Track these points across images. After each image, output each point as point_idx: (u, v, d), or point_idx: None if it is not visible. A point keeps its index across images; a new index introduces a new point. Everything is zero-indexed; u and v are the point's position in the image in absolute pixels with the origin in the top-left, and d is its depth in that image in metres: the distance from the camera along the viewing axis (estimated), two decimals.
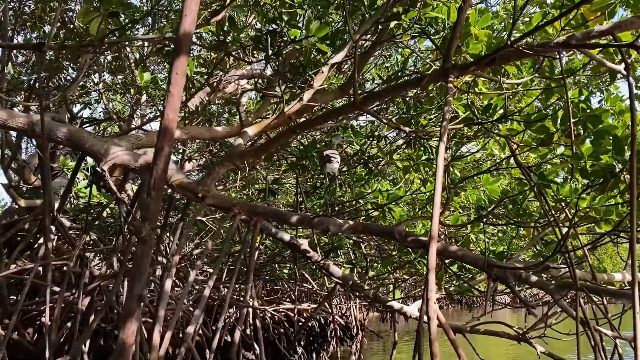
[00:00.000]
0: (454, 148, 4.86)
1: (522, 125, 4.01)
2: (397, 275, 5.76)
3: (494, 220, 4.96)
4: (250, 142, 4.98)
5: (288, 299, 9.82)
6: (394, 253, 5.27)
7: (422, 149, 5.14)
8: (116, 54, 6.34)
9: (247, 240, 4.34)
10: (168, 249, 7.32)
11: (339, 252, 6.63)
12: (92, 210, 6.25)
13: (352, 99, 3.39)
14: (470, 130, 4.15)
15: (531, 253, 6.15)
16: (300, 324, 9.17)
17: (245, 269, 9.77)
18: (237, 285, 9.48)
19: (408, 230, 4.34)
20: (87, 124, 8.56)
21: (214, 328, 8.34)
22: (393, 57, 5.45)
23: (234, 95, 8.23)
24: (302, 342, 9.35)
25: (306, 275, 9.75)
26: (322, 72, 4.11)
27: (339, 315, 9.82)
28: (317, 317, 9.92)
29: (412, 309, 5.31)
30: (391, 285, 6.16)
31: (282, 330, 9.19)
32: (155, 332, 2.95)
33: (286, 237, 4.96)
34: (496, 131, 4.00)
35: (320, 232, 5.19)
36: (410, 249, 5.07)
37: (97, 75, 8.61)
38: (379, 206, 4.92)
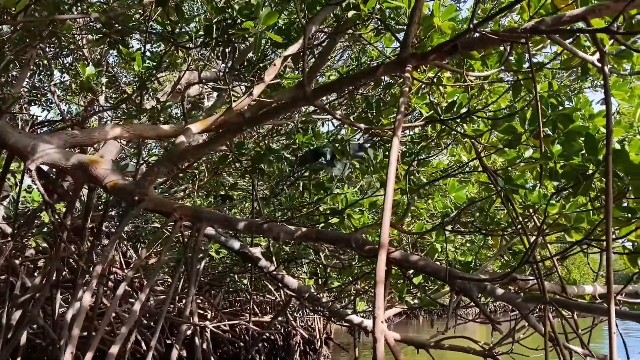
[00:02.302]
0: (420, 152, 4.56)
1: (488, 125, 3.73)
2: (359, 287, 5.42)
3: (459, 228, 4.66)
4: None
5: (249, 311, 9.37)
6: (353, 263, 4.92)
7: (383, 149, 4.84)
8: (56, 44, 5.88)
9: (190, 248, 3.94)
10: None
11: (302, 261, 6.26)
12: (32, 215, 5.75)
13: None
14: (433, 132, 3.85)
15: (499, 264, 5.89)
16: (252, 339, 8.74)
17: (205, 279, 9.32)
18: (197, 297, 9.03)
19: (366, 239, 4.00)
20: (39, 126, 8.03)
21: (168, 342, 7.87)
22: (353, 51, 5.14)
23: (198, 98, 7.82)
24: (262, 356, 8.93)
25: (269, 286, 9.34)
26: (275, 65, 3.76)
27: (303, 328, 9.43)
28: (281, 330, 9.50)
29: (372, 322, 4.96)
30: (355, 297, 5.80)
31: (242, 344, 8.75)
32: (67, 354, 2.52)
33: (236, 244, 4.57)
34: (461, 131, 3.70)
35: (272, 239, 4.81)
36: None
37: (47, 73, 8.08)
38: (335, 212, 4.57)
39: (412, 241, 5.74)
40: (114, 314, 6.28)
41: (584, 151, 2.71)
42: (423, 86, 4.08)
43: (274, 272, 4.67)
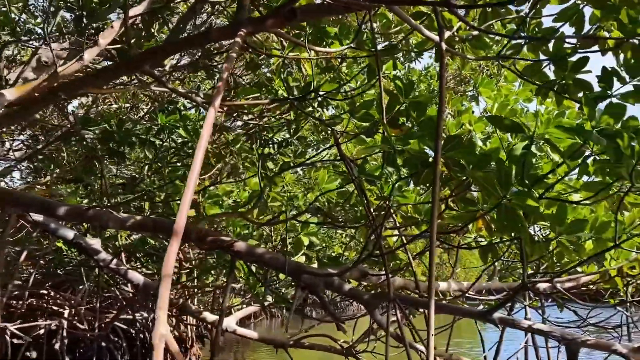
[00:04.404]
0: (277, 136, 4.26)
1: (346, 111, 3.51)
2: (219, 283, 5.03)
3: (318, 219, 4.43)
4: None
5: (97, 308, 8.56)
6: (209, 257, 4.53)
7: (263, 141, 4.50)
8: None
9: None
10: None
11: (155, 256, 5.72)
12: None
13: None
14: (290, 114, 3.56)
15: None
16: (118, 337, 8.06)
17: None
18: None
19: (212, 229, 3.65)
20: None
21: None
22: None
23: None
24: (126, 356, 8.27)
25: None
26: (112, 28, 3.26)
27: (173, 327, 8.85)
28: (150, 327, 8.84)
29: (230, 321, 4.61)
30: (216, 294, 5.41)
31: (104, 343, 8.04)
32: None
33: (69, 234, 4.00)
34: (320, 117, 3.44)
35: (98, 228, 4.29)
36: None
37: None
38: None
39: (281, 235, 5.46)
40: None
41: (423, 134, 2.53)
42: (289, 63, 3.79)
43: (117, 267, 4.16)
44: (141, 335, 8.90)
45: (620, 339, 3.78)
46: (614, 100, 2.51)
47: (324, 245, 6.11)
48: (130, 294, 6.52)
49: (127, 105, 7.80)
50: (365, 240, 3.11)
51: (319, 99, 3.41)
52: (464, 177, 2.58)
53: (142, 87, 3.74)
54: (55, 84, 3.01)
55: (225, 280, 5.17)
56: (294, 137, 4.37)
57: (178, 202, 4.30)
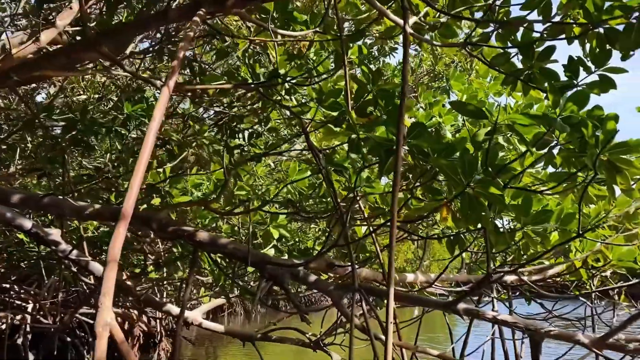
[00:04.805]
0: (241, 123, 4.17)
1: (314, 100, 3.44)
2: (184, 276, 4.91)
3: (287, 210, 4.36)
4: None
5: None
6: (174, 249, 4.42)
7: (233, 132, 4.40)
8: None
9: None
10: None
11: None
12: None
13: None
14: (258, 104, 3.48)
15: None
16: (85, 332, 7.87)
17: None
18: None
19: (172, 219, 3.55)
20: None
21: None
22: None
23: None
24: (92, 351, 8.07)
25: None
26: (71, 9, 3.13)
27: (141, 321, 8.69)
28: (119, 322, 8.68)
29: (195, 314, 4.51)
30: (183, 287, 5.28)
31: (69, 338, 7.84)
32: None
33: (27, 224, 3.84)
34: (287, 104, 3.36)
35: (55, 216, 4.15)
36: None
37: None
38: (155, 190, 4.03)
39: (254, 228, 5.37)
40: None
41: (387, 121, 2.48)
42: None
43: (78, 258, 4.02)
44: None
45: (585, 331, 3.81)
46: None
47: (297, 240, 6.04)
48: (93, 287, 6.36)
49: (96, 95, 7.59)
50: (330, 230, 3.05)
51: (287, 86, 3.34)
52: (429, 166, 2.55)
53: (101, 71, 3.61)
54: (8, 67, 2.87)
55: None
56: (265, 129, 4.29)
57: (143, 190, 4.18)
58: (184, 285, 5.16)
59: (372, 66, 3.30)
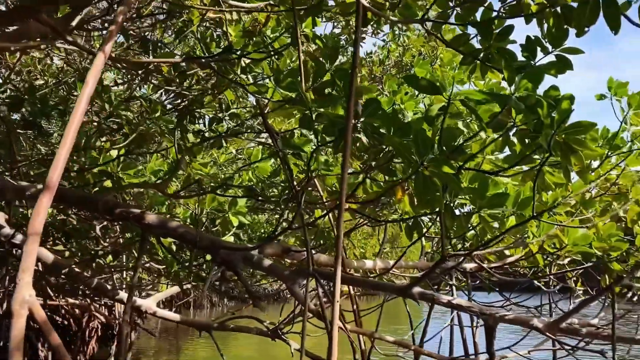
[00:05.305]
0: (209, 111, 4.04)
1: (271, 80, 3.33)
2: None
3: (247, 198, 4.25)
4: None
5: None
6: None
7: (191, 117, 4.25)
8: None
9: None
10: None
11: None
12: None
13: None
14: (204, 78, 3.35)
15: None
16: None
17: None
18: None
19: (120, 201, 3.40)
20: None
21: None
22: None
23: None
24: (45, 345, 7.81)
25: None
26: None
27: (100, 312, 8.44)
28: (75, 314, 8.42)
29: (149, 303, 4.36)
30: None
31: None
32: None
33: None
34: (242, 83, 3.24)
35: None
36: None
37: None
38: (107, 174, 3.86)
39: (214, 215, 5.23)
40: None
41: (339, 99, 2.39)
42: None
43: (22, 243, 3.83)
44: (65, 322, 8.45)
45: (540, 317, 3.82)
46: None
47: (263, 232, 5.93)
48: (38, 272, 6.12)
49: (54, 80, 7.30)
50: (283, 211, 2.96)
51: (243, 64, 3.23)
52: (384, 147, 2.48)
53: (43, 43, 3.41)
54: None
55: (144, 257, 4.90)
56: (226, 114, 4.15)
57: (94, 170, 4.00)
58: (138, 272, 5.00)
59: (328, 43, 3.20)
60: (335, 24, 6.62)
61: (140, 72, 3.41)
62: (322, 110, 2.35)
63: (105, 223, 4.70)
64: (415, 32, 8.05)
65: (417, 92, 4.33)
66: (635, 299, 3.40)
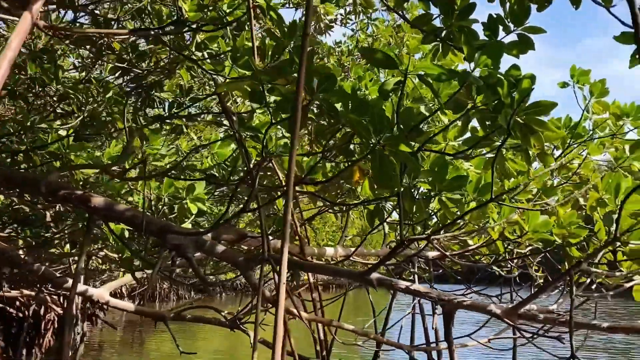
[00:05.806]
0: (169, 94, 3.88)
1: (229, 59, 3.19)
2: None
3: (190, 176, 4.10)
4: None
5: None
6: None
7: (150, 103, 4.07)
8: None
9: None
10: None
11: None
12: None
13: None
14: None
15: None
16: None
17: None
18: None
19: (64, 183, 3.22)
20: None
21: None
22: None
23: None
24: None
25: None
26: None
27: (56, 304, 8.14)
28: (32, 306, 8.11)
29: (102, 292, 4.18)
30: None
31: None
32: None
33: None
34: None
35: None
36: None
37: None
38: (54, 155, 3.66)
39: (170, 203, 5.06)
40: None
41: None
42: None
43: None
44: (20, 315, 8.14)
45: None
46: None
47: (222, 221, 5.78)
48: None
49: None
50: (235, 191, 2.84)
51: (198, 40, 3.08)
52: (340, 126, 2.37)
53: None
54: None
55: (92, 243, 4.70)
56: (187, 99, 3.98)
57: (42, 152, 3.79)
58: (89, 261, 4.79)
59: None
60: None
61: (89, 47, 3.22)
62: (275, 83, 2.23)
63: (58, 209, 4.49)
64: (385, 23, 7.98)
65: (382, 79, 4.25)
66: (593, 287, 3.40)
